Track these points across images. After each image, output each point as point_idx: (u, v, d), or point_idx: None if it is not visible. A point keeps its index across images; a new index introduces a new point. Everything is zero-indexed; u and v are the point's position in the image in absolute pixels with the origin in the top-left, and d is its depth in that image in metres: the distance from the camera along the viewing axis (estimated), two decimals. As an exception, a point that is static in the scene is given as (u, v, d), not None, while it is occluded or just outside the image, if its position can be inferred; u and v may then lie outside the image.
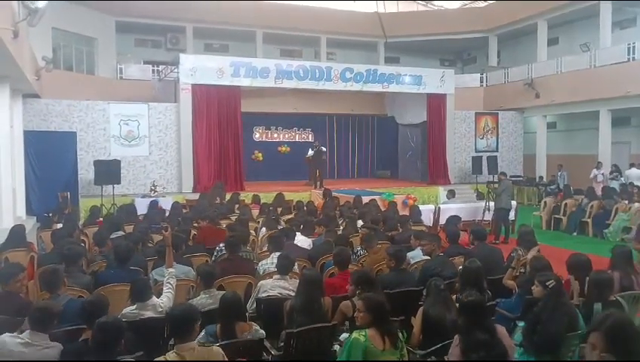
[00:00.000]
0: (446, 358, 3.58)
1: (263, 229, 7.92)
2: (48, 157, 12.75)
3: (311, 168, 16.79)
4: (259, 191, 13.09)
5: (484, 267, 5.15)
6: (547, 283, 4.01)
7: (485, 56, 23.51)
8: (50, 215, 9.96)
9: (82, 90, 16.30)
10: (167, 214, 9.75)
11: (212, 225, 7.77)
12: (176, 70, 15.72)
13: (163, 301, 4.38)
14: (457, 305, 3.85)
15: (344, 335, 4.07)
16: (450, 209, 11.25)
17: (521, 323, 4.30)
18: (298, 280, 4.60)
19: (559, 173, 17.70)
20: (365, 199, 11.15)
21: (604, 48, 17.30)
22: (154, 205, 10.93)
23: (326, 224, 7.71)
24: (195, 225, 8.28)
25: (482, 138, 19.72)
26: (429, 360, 3.85)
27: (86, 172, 14.03)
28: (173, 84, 16.15)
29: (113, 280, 4.92)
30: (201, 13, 19.83)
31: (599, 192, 13.25)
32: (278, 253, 5.45)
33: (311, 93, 17.63)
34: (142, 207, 10.74)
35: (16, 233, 6.99)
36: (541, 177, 19.01)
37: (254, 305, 4.81)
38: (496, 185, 12.25)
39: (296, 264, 5.44)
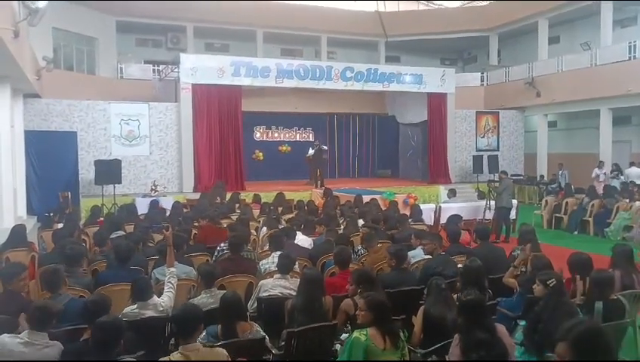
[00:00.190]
0: (447, 357, 3.58)
1: (264, 229, 7.92)
2: (49, 157, 12.76)
3: (311, 167, 16.78)
4: (259, 191, 13.08)
5: (487, 266, 5.15)
6: (548, 282, 4.00)
7: (486, 55, 23.50)
8: (51, 215, 9.97)
9: (83, 89, 16.30)
10: (167, 214, 9.74)
11: (213, 225, 7.77)
12: (176, 70, 15.72)
13: (164, 300, 4.38)
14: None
15: (344, 336, 4.07)
16: (451, 208, 11.23)
17: (522, 322, 4.29)
18: (299, 280, 4.60)
19: (560, 172, 17.68)
20: (366, 198, 11.13)
21: (604, 47, 17.28)
22: (155, 205, 10.92)
23: (327, 223, 7.71)
24: (196, 224, 8.28)
25: (483, 137, 19.72)
26: (430, 359, 3.85)
27: (87, 172, 14.04)
28: (174, 83, 16.15)
29: (114, 280, 4.91)
30: (202, 13, 19.82)
31: (601, 191, 13.24)
32: (278, 253, 5.45)
33: (311, 92, 17.63)
34: (142, 207, 10.75)
35: (17, 233, 7.00)
36: (542, 176, 18.99)
37: (255, 304, 4.81)
38: (497, 184, 12.23)
39: (297, 263, 5.44)
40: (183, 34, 21.05)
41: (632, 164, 15.64)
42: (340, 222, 8.39)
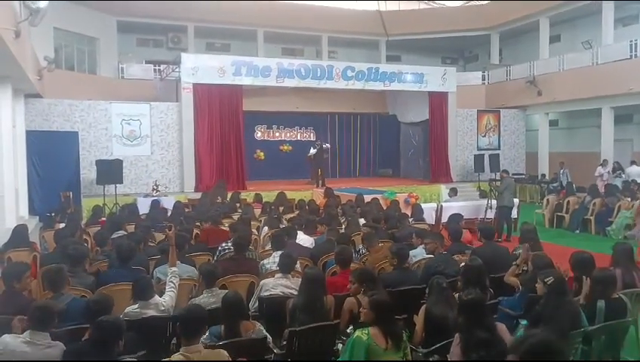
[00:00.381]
0: (448, 357, 3.57)
1: (265, 228, 7.92)
2: (50, 157, 12.77)
3: (313, 167, 16.78)
4: (261, 190, 13.08)
5: (492, 265, 5.16)
6: (546, 280, 4.00)
7: (487, 53, 23.47)
8: (53, 215, 9.98)
9: (84, 89, 16.32)
10: (169, 214, 9.75)
11: (215, 226, 7.75)
12: (177, 69, 15.74)
13: (165, 300, 4.38)
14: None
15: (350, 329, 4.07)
16: (452, 207, 11.23)
17: (523, 321, 4.29)
18: (300, 279, 4.60)
19: (561, 171, 17.65)
20: (367, 198, 11.12)
21: (606, 45, 17.26)
22: (156, 205, 10.92)
23: (328, 223, 7.71)
24: (198, 224, 8.28)
25: (484, 136, 19.70)
26: (431, 359, 3.85)
27: (88, 172, 14.05)
28: (175, 83, 16.15)
29: (115, 280, 4.92)
30: (203, 13, 19.83)
31: (604, 190, 13.22)
32: (280, 252, 5.45)
33: (312, 91, 17.63)
34: (144, 207, 10.76)
35: (19, 233, 7.01)
36: (543, 175, 18.97)
37: (257, 304, 4.82)
38: (498, 183, 12.23)
39: (298, 263, 5.44)
40: (183, 34, 21.06)
41: (632, 163, 15.60)
42: (342, 221, 8.39)
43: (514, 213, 11.76)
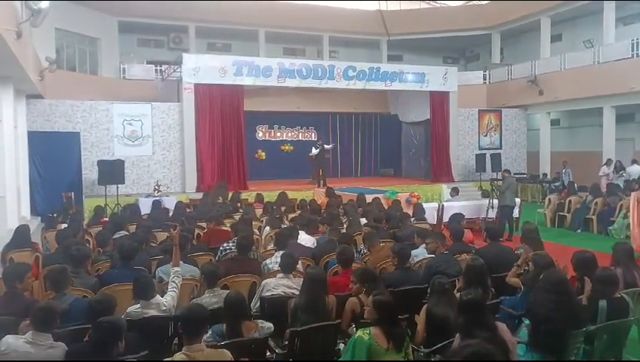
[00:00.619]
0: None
1: (267, 228, 7.92)
2: (52, 157, 12.80)
3: (314, 167, 16.79)
4: (262, 190, 13.08)
5: (498, 266, 5.16)
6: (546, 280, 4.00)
7: (488, 53, 23.45)
8: (55, 215, 10.00)
9: (85, 90, 16.33)
10: (170, 214, 9.76)
11: (217, 227, 7.75)
12: (179, 70, 15.75)
13: (167, 300, 4.38)
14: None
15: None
16: (454, 207, 11.23)
17: (526, 321, 4.28)
18: (302, 279, 4.60)
19: (563, 170, 17.63)
20: (369, 197, 11.13)
21: (607, 44, 17.23)
22: (157, 205, 10.94)
23: (329, 222, 7.71)
24: (201, 224, 8.28)
25: (486, 135, 19.69)
26: (433, 359, 3.85)
27: (90, 172, 14.06)
28: (176, 83, 16.16)
29: (118, 280, 4.92)
30: (204, 13, 19.83)
31: (606, 189, 13.20)
32: (281, 252, 5.45)
33: (314, 91, 17.64)
34: (146, 207, 10.78)
35: (21, 233, 7.01)
36: (545, 174, 18.95)
37: (258, 303, 4.82)
38: (499, 183, 12.22)
39: (300, 262, 5.44)
40: (185, 34, 21.06)
41: (634, 162, 15.58)
42: (343, 221, 8.39)
43: (515, 213, 11.75)
